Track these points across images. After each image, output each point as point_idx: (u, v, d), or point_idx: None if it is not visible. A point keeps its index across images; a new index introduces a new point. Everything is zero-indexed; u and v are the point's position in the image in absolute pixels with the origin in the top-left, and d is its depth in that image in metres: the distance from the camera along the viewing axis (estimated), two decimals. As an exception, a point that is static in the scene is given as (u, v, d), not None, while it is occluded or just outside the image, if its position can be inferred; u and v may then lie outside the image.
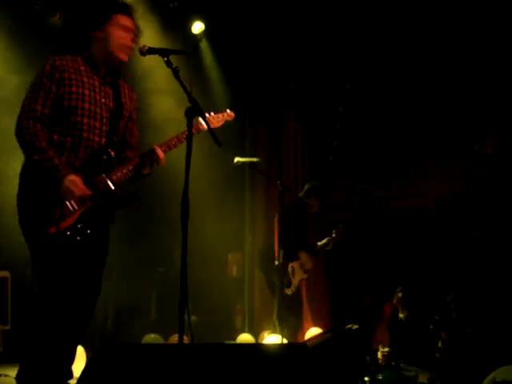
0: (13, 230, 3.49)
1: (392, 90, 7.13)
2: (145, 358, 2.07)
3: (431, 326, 5.46)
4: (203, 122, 3.25)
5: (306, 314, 7.15)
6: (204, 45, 7.71)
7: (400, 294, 6.21)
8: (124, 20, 3.40)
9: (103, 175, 3.26)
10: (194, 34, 7.53)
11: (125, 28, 3.39)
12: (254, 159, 5.70)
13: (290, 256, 5.84)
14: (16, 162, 3.42)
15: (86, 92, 3.30)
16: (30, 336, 3.19)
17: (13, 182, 3.36)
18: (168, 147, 3.43)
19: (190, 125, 2.93)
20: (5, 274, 5.86)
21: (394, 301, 6.24)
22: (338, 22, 7.12)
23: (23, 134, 3.17)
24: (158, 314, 7.48)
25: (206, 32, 7.55)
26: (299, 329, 6.36)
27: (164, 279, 7.42)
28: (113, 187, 3.27)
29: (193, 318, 7.72)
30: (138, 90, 3.73)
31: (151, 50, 3.28)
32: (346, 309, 6.82)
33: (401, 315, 6.19)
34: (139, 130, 3.69)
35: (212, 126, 3.44)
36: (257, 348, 2.84)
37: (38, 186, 3.14)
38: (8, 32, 6.36)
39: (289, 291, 5.98)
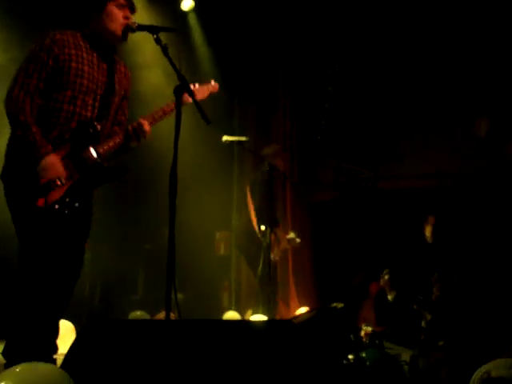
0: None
1: (381, 71, 7.14)
2: (132, 334, 2.09)
3: (415, 306, 5.53)
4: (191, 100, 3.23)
5: (292, 293, 7.22)
6: (193, 21, 7.65)
7: (387, 277, 6.26)
8: (121, 1, 3.38)
9: (90, 148, 3.25)
10: (183, 11, 7.47)
11: (122, 7, 3.37)
12: (243, 138, 5.68)
13: (270, 227, 5.83)
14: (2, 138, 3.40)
15: (85, 68, 3.29)
16: (13, 310, 3.20)
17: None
18: (154, 120, 3.42)
19: (178, 103, 2.94)
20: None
21: (382, 283, 6.29)
22: (328, 2, 7.09)
23: (11, 105, 3.15)
24: (144, 292, 7.51)
25: (195, 8, 7.49)
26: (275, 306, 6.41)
27: (151, 256, 7.43)
28: (99, 160, 3.27)
29: (180, 295, 7.77)
30: (127, 65, 3.70)
31: (140, 27, 3.29)
32: (332, 288, 6.88)
33: (389, 297, 6.25)
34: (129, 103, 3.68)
35: (197, 97, 3.39)
36: (243, 324, 2.87)
37: (25, 159, 3.12)
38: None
39: (272, 256, 5.90)
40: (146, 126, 3.38)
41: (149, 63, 6.65)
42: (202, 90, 3.65)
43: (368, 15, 6.93)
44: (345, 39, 7.14)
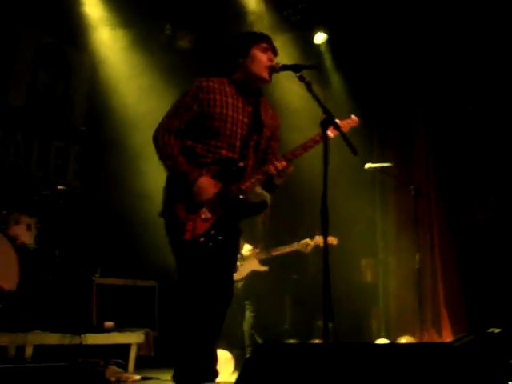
0: (159, 240, 3.76)
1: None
2: (296, 357, 2.18)
3: None
4: (336, 131, 3.32)
5: (445, 321, 7.02)
6: (326, 53, 7.83)
7: None
8: (264, 44, 3.58)
9: (233, 185, 3.43)
10: (317, 45, 7.68)
11: (265, 50, 3.57)
12: (386, 164, 5.69)
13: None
14: (160, 173, 3.69)
15: (230, 113, 3.48)
16: (176, 338, 3.43)
17: (157, 192, 3.64)
18: (294, 156, 3.51)
19: (325, 135, 3.04)
20: (152, 283, 6.28)
21: None
22: (467, 22, 6.90)
23: (158, 141, 3.44)
24: (293, 321, 7.60)
25: (328, 41, 7.66)
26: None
27: (298, 286, 7.53)
28: (242, 196, 3.44)
29: (329, 324, 7.77)
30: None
31: (284, 67, 3.46)
32: (484, 312, 6.61)
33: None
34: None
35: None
36: (401, 347, 2.87)
37: (176, 195, 3.37)
38: (138, 55, 6.83)
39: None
40: (283, 163, 3.48)
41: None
42: (343, 125, 3.73)
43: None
44: (485, 56, 6.90)
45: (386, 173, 5.82)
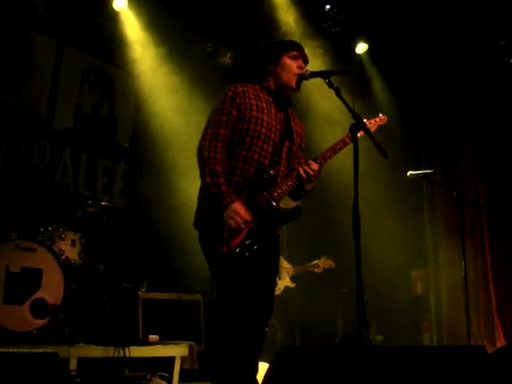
0: (202, 254, 3.76)
1: None
2: (319, 360, 2.15)
3: None
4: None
5: (499, 332, 6.82)
6: (368, 63, 7.79)
7: None
8: (294, 52, 3.60)
9: (265, 193, 3.40)
10: (358, 55, 7.65)
11: (295, 58, 3.58)
12: (428, 171, 5.57)
13: None
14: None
15: (265, 117, 3.49)
16: (217, 350, 3.40)
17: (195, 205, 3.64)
18: (324, 159, 3.48)
19: (355, 140, 3.00)
20: (198, 297, 6.30)
21: None
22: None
23: (203, 152, 3.40)
24: (344, 336, 7.51)
25: (369, 52, 7.63)
26: None
27: (348, 300, 7.44)
28: (274, 204, 3.41)
29: (379, 337, 7.65)
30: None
31: (313, 74, 3.45)
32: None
33: None
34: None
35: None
36: (436, 350, 2.79)
37: (209, 207, 3.35)
38: (178, 72, 6.93)
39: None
40: (314, 166, 3.46)
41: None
42: (370, 125, 3.68)
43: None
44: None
45: (429, 180, 5.69)
